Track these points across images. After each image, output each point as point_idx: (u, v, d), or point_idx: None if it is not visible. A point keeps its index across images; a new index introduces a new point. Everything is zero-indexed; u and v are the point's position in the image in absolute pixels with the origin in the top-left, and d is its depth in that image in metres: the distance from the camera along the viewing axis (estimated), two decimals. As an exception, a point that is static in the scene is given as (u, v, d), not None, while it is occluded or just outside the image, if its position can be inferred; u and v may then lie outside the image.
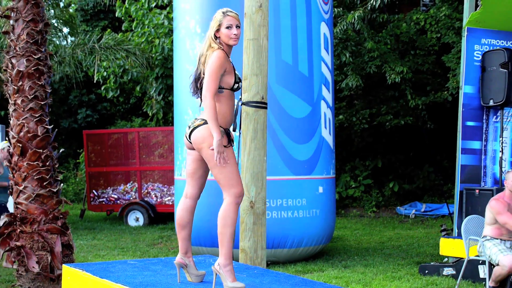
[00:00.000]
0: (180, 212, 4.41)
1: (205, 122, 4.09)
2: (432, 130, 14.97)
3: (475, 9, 8.20)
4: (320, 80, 8.81)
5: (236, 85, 4.19)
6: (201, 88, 4.18)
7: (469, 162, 8.20)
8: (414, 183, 15.61)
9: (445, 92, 14.04)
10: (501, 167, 8.03)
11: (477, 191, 7.82)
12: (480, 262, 7.02)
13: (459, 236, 7.32)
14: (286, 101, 8.36)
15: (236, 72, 4.23)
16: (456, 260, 7.70)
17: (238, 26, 4.21)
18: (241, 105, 5.38)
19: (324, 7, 9.03)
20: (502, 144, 8.13)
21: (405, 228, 12.30)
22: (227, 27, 4.19)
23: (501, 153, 8.09)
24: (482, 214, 6.79)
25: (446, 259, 8.22)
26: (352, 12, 13.86)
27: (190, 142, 4.17)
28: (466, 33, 8.25)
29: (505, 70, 7.86)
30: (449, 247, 7.79)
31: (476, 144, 8.24)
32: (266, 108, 5.42)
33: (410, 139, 15.79)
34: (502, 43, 8.36)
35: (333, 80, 9.44)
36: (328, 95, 9.01)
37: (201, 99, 4.22)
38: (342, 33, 13.86)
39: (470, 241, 6.79)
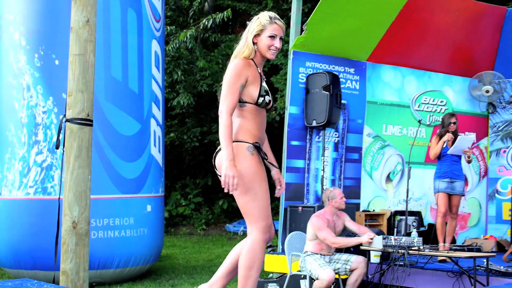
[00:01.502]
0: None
1: None
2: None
3: (301, 33, 8.60)
4: (150, 97, 8.80)
5: (260, 99, 3.61)
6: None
7: (293, 180, 8.54)
8: (243, 201, 15.94)
9: (274, 112, 14.55)
10: (322, 184, 8.44)
11: (300, 208, 8.16)
12: (302, 276, 7.32)
13: (283, 252, 7.59)
14: (115, 118, 8.25)
15: (263, 84, 3.66)
16: (280, 276, 7.96)
17: (281, 38, 3.70)
18: (65, 122, 5.25)
19: (156, 25, 9.06)
20: (323, 163, 8.56)
21: (233, 245, 12.41)
22: (271, 36, 3.64)
23: (322, 171, 8.52)
24: (305, 230, 7.09)
25: (271, 275, 8.47)
26: (184, 30, 14.01)
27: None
28: (292, 56, 8.62)
29: (327, 92, 8.29)
30: (273, 263, 8.05)
31: (300, 163, 8.61)
32: (91, 125, 5.32)
33: (240, 157, 16.12)
34: (325, 66, 8.82)
35: (164, 98, 9.46)
36: (158, 113, 9.01)
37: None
38: (174, 51, 13.96)
39: (292, 257, 7.06)
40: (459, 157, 8.07)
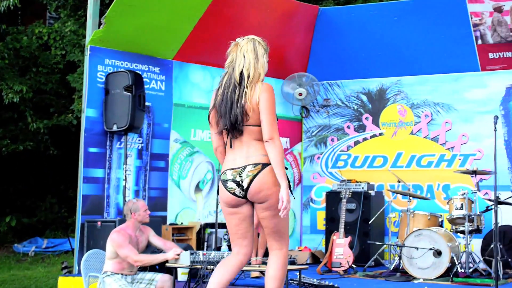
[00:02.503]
0: (225, 269, 4.15)
1: (264, 166, 3.96)
2: (55, 157, 14.95)
3: (99, 27, 8.41)
4: None
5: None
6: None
7: (91, 192, 8.31)
8: (35, 217, 15.38)
9: (70, 115, 14.17)
10: (124, 196, 8.31)
11: (99, 223, 7.95)
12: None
13: (80, 273, 7.37)
14: None
15: None
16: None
17: None
18: None
19: None
20: (125, 172, 8.43)
21: (22, 268, 12.01)
22: (267, 61, 4.17)
23: (124, 181, 8.38)
24: (104, 248, 6.93)
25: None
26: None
27: (242, 197, 4.02)
28: (89, 52, 8.41)
29: (129, 93, 8.16)
30: (68, 286, 7.79)
31: (99, 172, 8.41)
32: None
33: (31, 167, 15.54)
34: (127, 64, 8.70)
35: None
36: None
37: (236, 135, 4.19)
38: (-51, 43, 13.13)
39: (90, 278, 6.88)
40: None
